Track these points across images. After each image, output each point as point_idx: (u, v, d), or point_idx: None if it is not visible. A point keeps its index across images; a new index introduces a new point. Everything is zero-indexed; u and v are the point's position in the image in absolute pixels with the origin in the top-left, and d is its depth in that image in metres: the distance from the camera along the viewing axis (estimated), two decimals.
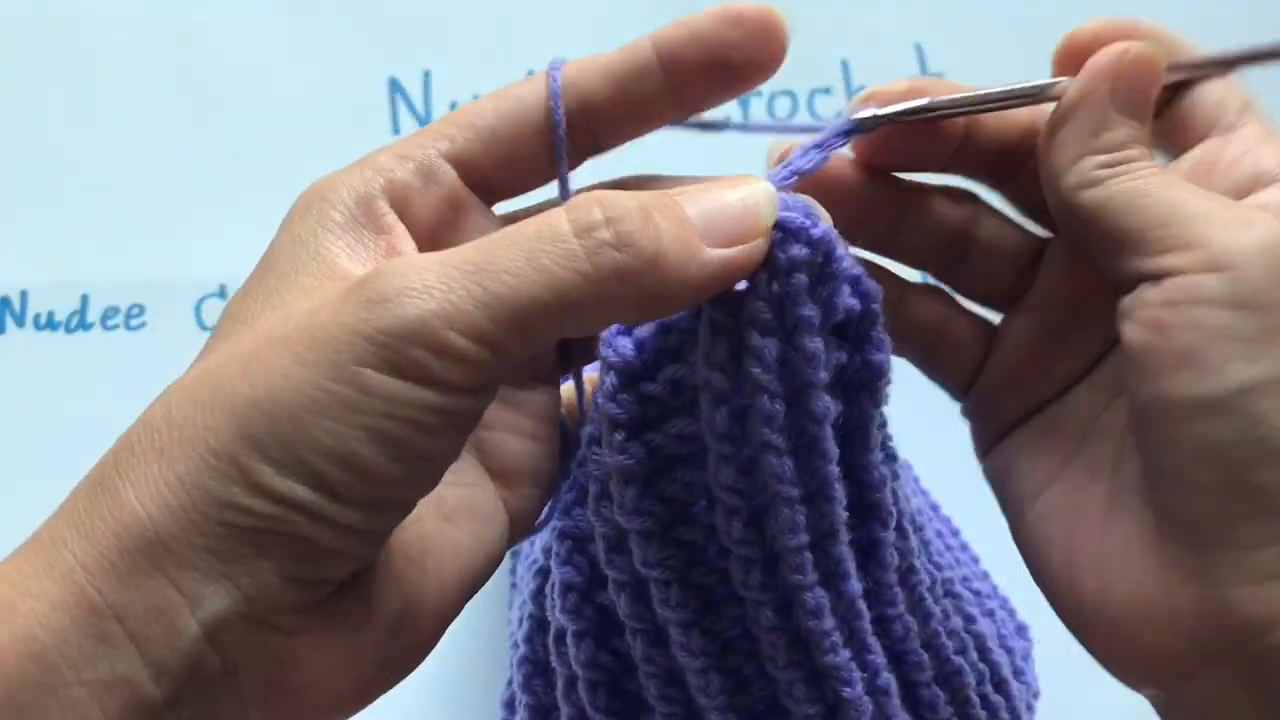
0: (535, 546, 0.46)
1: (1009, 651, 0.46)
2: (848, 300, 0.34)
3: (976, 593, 0.48)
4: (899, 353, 0.41)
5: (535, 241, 0.29)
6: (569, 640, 0.39)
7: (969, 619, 0.44)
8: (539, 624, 0.42)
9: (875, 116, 0.38)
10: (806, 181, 0.36)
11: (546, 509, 0.39)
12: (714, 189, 0.32)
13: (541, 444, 0.38)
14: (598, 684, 0.38)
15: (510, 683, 0.46)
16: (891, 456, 0.38)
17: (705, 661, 0.36)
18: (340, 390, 0.28)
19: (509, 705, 0.46)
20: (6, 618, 0.28)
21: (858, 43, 0.75)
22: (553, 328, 0.30)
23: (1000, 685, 0.44)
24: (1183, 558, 0.34)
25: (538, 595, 0.42)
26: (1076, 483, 0.39)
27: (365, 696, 0.32)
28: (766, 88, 0.73)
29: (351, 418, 0.28)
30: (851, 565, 0.36)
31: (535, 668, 0.42)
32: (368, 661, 0.32)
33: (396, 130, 0.72)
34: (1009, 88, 0.38)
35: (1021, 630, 0.51)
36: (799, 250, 0.32)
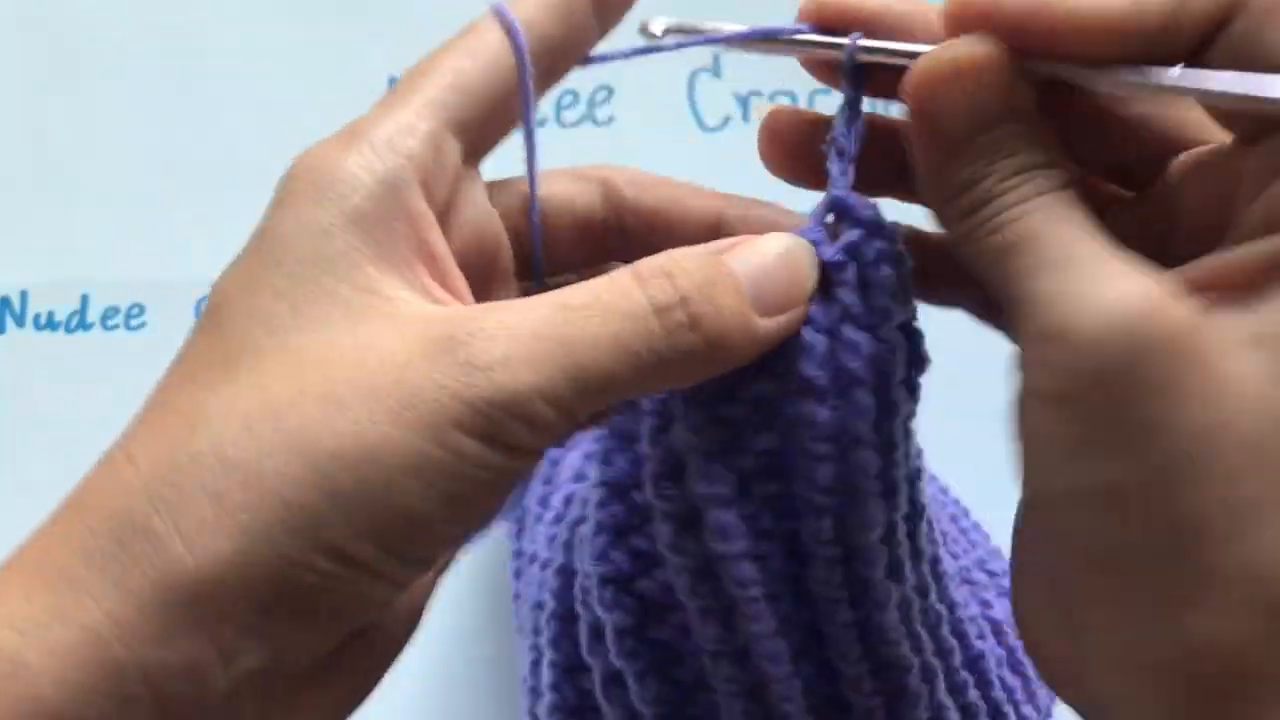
0: (534, 589, 0.46)
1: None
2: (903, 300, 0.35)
3: (992, 573, 0.49)
4: (950, 304, 0.39)
5: (620, 319, 0.29)
6: (630, 680, 0.38)
7: (985, 604, 0.45)
8: (568, 670, 0.42)
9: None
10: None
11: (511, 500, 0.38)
12: (759, 251, 0.32)
13: None
14: (666, 716, 0.38)
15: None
16: (919, 452, 0.38)
17: (789, 669, 0.36)
18: (441, 456, 0.27)
19: None
20: (11, 671, 0.25)
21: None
22: (620, 397, 0.31)
23: (1017, 667, 0.45)
24: (1057, 615, 0.32)
25: (558, 641, 0.42)
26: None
27: (348, 712, 0.32)
28: (766, 88, 0.73)
29: (441, 482, 0.28)
30: (908, 559, 0.37)
31: (570, 713, 0.42)
32: (364, 683, 0.31)
33: None
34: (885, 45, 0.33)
35: None
36: (882, 244, 0.33)
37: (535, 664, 0.45)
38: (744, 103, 0.73)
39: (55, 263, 0.70)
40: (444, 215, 0.34)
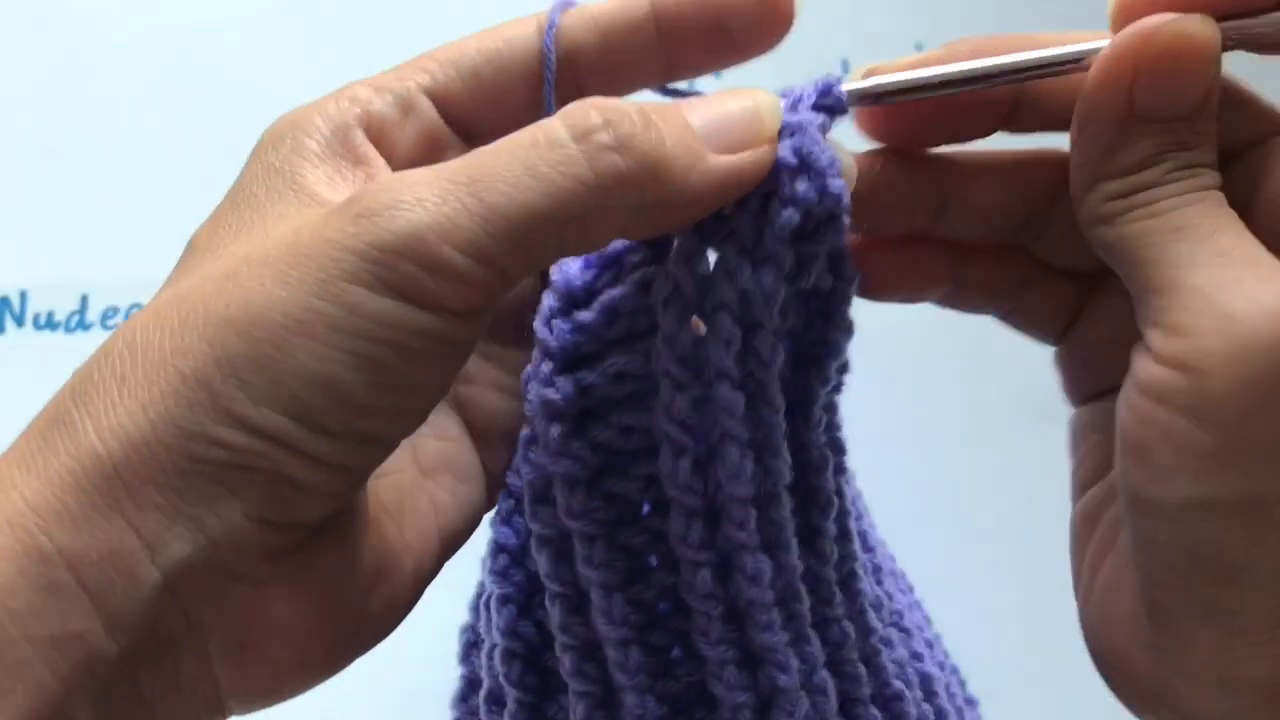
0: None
1: (959, 712, 0.43)
2: (824, 276, 0.32)
3: (929, 644, 0.45)
4: (979, 310, 0.37)
5: (531, 149, 0.27)
6: (493, 605, 0.36)
7: (916, 656, 0.41)
8: (480, 591, 0.39)
9: (871, 88, 0.33)
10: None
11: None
12: (714, 97, 0.30)
13: (520, 400, 0.35)
14: (514, 654, 0.36)
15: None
16: (839, 447, 0.36)
17: (627, 633, 0.33)
18: (328, 309, 0.26)
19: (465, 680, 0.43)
20: None
21: (858, 42, 0.75)
22: (553, 241, 0.27)
23: None
24: (1148, 630, 0.30)
25: (486, 560, 0.39)
26: (1111, 488, 0.34)
27: (339, 658, 0.30)
28: (767, 88, 0.73)
29: (339, 340, 0.26)
30: (792, 537, 0.34)
31: (473, 635, 0.40)
32: (342, 619, 0.29)
33: None
34: (1043, 54, 0.32)
35: (971, 703, 0.47)
36: (806, 190, 0.30)
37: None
38: None
39: (55, 263, 0.70)
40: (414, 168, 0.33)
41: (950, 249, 0.36)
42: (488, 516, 0.36)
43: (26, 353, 0.69)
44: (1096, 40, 0.31)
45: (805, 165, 0.30)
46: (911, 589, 0.51)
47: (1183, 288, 0.28)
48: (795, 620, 0.34)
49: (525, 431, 0.33)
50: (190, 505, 0.26)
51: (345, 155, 0.31)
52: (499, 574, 0.36)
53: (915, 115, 0.34)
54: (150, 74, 0.73)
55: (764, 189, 0.30)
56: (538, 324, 0.32)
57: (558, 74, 0.34)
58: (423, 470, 0.33)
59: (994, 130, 0.35)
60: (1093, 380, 0.36)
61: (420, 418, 0.29)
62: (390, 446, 0.28)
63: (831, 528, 0.35)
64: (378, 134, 0.32)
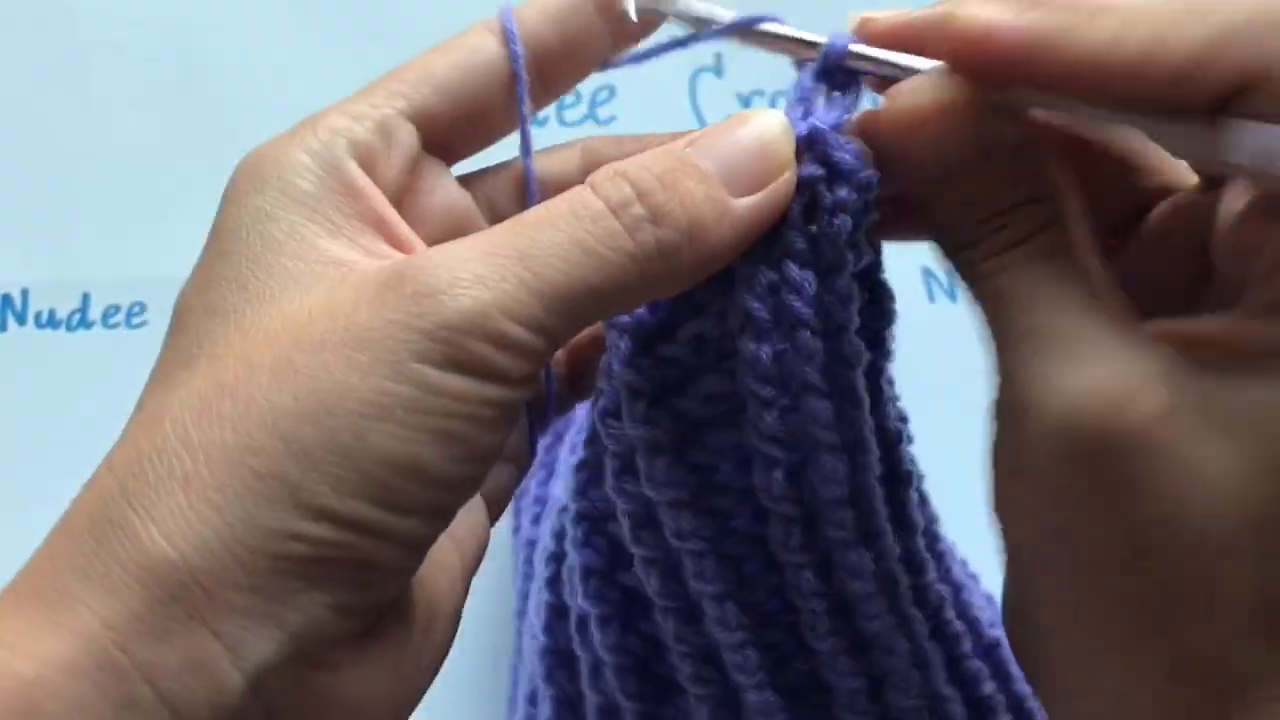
0: (543, 530, 0.45)
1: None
2: (865, 252, 0.33)
3: (992, 624, 0.46)
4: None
5: (575, 222, 0.28)
6: (593, 625, 0.37)
7: (992, 624, 0.42)
8: (557, 611, 0.40)
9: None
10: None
11: (523, 482, 0.38)
12: (723, 132, 0.30)
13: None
14: (626, 669, 0.37)
15: (530, 676, 0.44)
16: (903, 416, 0.37)
17: (743, 636, 0.34)
18: (404, 390, 0.26)
19: (531, 700, 0.45)
20: (6, 688, 0.23)
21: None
22: (601, 311, 0.29)
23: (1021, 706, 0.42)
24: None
25: (553, 582, 0.40)
26: None
27: (405, 717, 0.30)
28: (768, 87, 0.73)
29: (417, 420, 0.26)
30: (886, 524, 0.34)
31: (558, 658, 0.41)
32: (407, 683, 0.29)
33: None
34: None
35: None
36: (845, 194, 0.30)
37: (525, 609, 0.44)
38: (746, 102, 0.73)
39: (56, 261, 0.70)
40: (403, 197, 0.33)
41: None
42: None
43: (28, 351, 0.69)
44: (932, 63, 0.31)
45: (836, 173, 0.30)
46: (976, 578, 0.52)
47: (1000, 367, 0.29)
48: (897, 602, 0.35)
49: (614, 464, 0.34)
50: (273, 603, 0.25)
51: (341, 191, 0.31)
52: (595, 596, 0.37)
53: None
54: (151, 74, 0.73)
55: (800, 200, 0.31)
56: (615, 365, 0.33)
57: (530, 73, 0.34)
58: None
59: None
60: None
61: (483, 481, 0.29)
62: (455, 513, 0.29)
63: (914, 496, 0.36)
64: (367, 165, 0.32)
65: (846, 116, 0.32)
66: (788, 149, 0.30)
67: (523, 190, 0.36)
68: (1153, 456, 0.26)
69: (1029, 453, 0.28)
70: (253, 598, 0.25)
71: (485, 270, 0.27)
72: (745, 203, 0.29)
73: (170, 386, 0.28)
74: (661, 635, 0.36)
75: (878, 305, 0.34)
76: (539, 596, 0.42)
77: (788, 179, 0.30)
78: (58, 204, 0.71)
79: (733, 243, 0.30)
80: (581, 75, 0.35)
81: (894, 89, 0.31)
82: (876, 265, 0.34)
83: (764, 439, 0.32)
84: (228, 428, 0.26)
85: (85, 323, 0.69)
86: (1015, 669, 0.39)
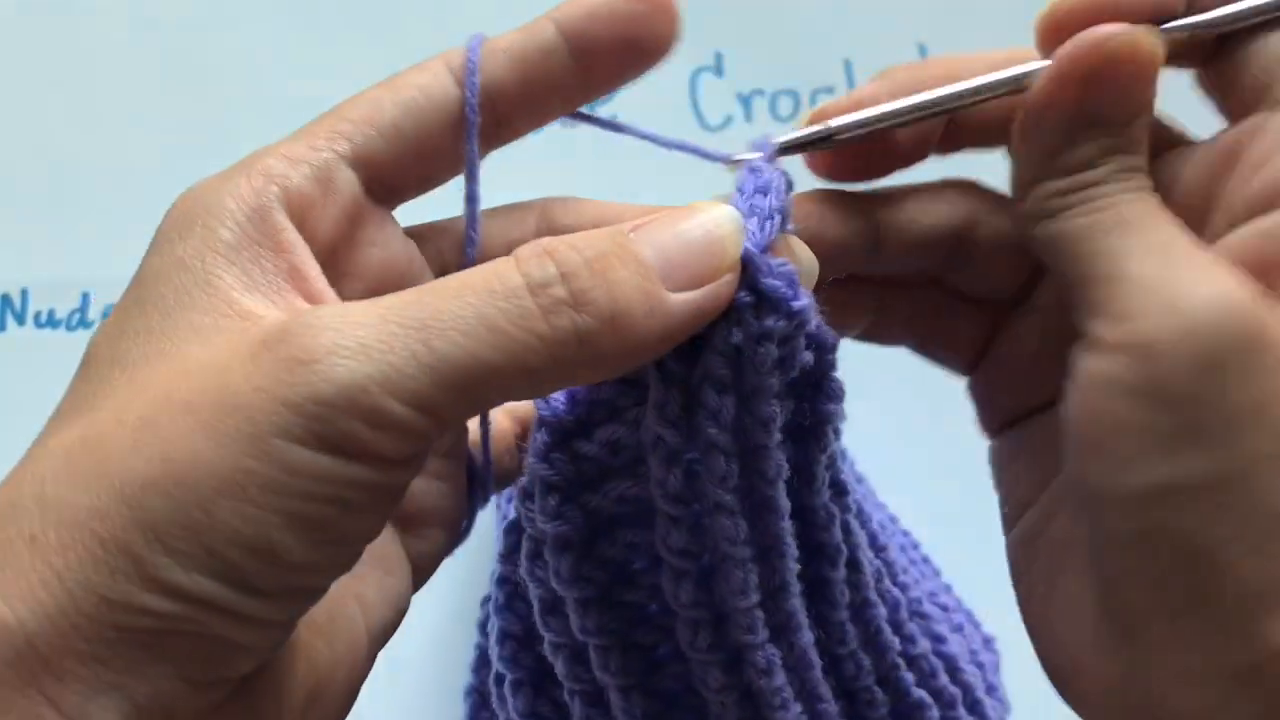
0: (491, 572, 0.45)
1: (980, 668, 0.45)
2: (804, 355, 0.32)
3: (944, 608, 0.47)
4: (894, 343, 0.38)
5: (486, 296, 0.26)
6: (507, 688, 0.37)
7: (938, 639, 0.42)
8: (483, 656, 0.41)
9: (784, 143, 0.34)
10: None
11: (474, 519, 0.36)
12: (671, 221, 0.29)
13: (448, 482, 0.35)
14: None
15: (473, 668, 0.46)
16: (841, 490, 0.36)
17: None
18: (260, 468, 0.24)
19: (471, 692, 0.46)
20: None
21: (860, 43, 0.75)
22: (501, 393, 0.26)
23: (974, 707, 0.43)
24: (1115, 638, 0.30)
25: (484, 626, 0.41)
26: (1048, 510, 0.34)
27: None
28: (769, 87, 0.73)
29: (272, 500, 0.24)
30: (804, 617, 0.34)
31: (482, 700, 0.41)
32: None
33: None
34: (984, 81, 0.33)
35: (988, 642, 0.50)
36: (774, 322, 0.29)
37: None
38: (746, 102, 0.73)
39: (56, 261, 0.70)
40: (339, 248, 0.31)
41: (872, 285, 0.36)
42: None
43: (27, 351, 0.69)
44: (1034, 63, 0.33)
45: (765, 300, 0.29)
46: (916, 545, 0.52)
47: (1127, 278, 0.29)
48: (808, 686, 0.35)
49: (528, 546, 0.33)
50: (115, 674, 0.24)
51: (264, 242, 0.29)
52: (510, 660, 0.36)
53: (857, 151, 0.34)
54: (151, 74, 0.73)
55: (726, 319, 0.29)
56: (531, 459, 0.32)
57: (484, 113, 0.32)
58: (349, 574, 0.31)
59: (927, 156, 0.35)
60: (1009, 404, 0.37)
61: (353, 562, 0.27)
62: (322, 593, 0.27)
63: (841, 573, 0.36)
64: (298, 214, 0.30)
65: (777, 225, 0.31)
66: (734, 249, 0.29)
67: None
68: (1276, 354, 0.28)
69: (1163, 361, 0.28)
70: (95, 668, 0.23)
71: (374, 338, 0.25)
72: (680, 298, 0.28)
73: (48, 435, 0.27)
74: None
75: (818, 404, 0.33)
76: (475, 635, 0.42)
77: (727, 282, 0.29)
78: (58, 204, 0.71)
79: (661, 338, 0.28)
80: (540, 123, 0.34)
81: (1102, 29, 0.31)
82: (823, 364, 0.33)
83: (673, 553, 0.32)
84: (79, 488, 0.24)
85: (85, 322, 0.69)
86: (934, 716, 0.39)
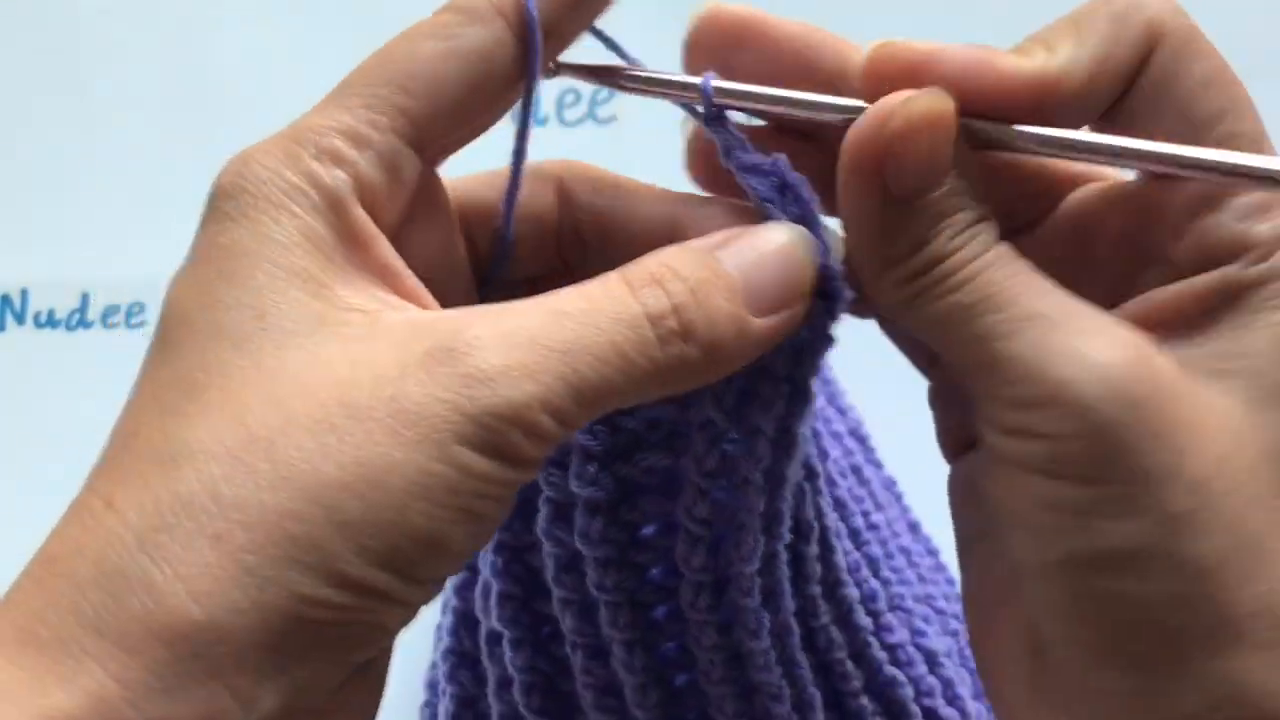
0: None
1: (973, 675, 0.46)
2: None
3: (940, 611, 0.49)
4: (868, 315, 0.36)
5: (613, 324, 0.28)
6: (505, 645, 0.39)
7: (919, 633, 0.44)
8: (464, 618, 0.42)
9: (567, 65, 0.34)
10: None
11: None
12: (750, 244, 0.30)
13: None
14: (533, 686, 0.39)
15: (434, 665, 0.47)
16: (812, 473, 0.39)
17: (645, 678, 0.37)
18: (445, 472, 0.26)
19: (432, 687, 0.48)
20: None
21: (860, 42, 0.75)
22: (616, 405, 0.29)
23: (954, 701, 0.44)
24: (1049, 690, 0.31)
25: (462, 589, 0.42)
26: (993, 547, 0.33)
27: None
28: None
29: (450, 500, 0.27)
30: (789, 585, 0.38)
31: (461, 659, 0.43)
32: (373, 715, 0.30)
33: None
34: (815, 99, 0.32)
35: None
36: (834, 322, 0.32)
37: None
38: None
39: (56, 261, 0.70)
40: (403, 228, 0.32)
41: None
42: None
43: (27, 350, 0.69)
44: (855, 100, 0.32)
45: (831, 307, 0.32)
46: (935, 552, 0.53)
47: (1007, 360, 0.29)
48: (787, 651, 0.38)
49: (548, 509, 0.36)
50: (286, 660, 0.25)
51: (345, 236, 0.30)
52: (510, 620, 0.39)
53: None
54: (151, 73, 0.73)
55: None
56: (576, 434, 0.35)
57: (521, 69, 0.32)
58: None
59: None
60: (962, 417, 0.35)
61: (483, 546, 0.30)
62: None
63: (814, 549, 0.39)
64: (369, 205, 0.30)
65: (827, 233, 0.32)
66: (810, 273, 0.31)
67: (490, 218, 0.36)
68: (1177, 409, 0.28)
69: (1063, 442, 0.28)
70: (270, 655, 0.25)
71: (533, 362, 0.27)
72: (762, 324, 0.30)
73: (179, 415, 0.27)
74: (571, 661, 0.38)
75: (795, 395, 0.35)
76: (445, 599, 0.44)
77: (800, 311, 0.31)
78: (58, 204, 0.71)
79: (742, 360, 0.30)
80: (570, 40, 0.34)
81: (880, 105, 0.30)
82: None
83: (695, 521, 0.35)
84: (265, 489, 0.26)
85: (84, 322, 0.69)
86: (912, 706, 0.42)
